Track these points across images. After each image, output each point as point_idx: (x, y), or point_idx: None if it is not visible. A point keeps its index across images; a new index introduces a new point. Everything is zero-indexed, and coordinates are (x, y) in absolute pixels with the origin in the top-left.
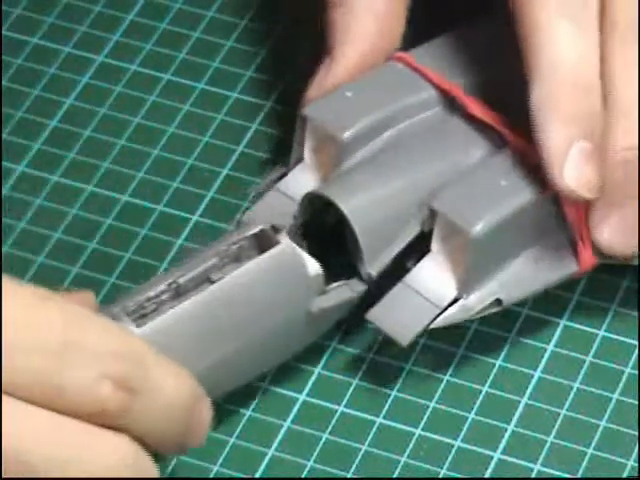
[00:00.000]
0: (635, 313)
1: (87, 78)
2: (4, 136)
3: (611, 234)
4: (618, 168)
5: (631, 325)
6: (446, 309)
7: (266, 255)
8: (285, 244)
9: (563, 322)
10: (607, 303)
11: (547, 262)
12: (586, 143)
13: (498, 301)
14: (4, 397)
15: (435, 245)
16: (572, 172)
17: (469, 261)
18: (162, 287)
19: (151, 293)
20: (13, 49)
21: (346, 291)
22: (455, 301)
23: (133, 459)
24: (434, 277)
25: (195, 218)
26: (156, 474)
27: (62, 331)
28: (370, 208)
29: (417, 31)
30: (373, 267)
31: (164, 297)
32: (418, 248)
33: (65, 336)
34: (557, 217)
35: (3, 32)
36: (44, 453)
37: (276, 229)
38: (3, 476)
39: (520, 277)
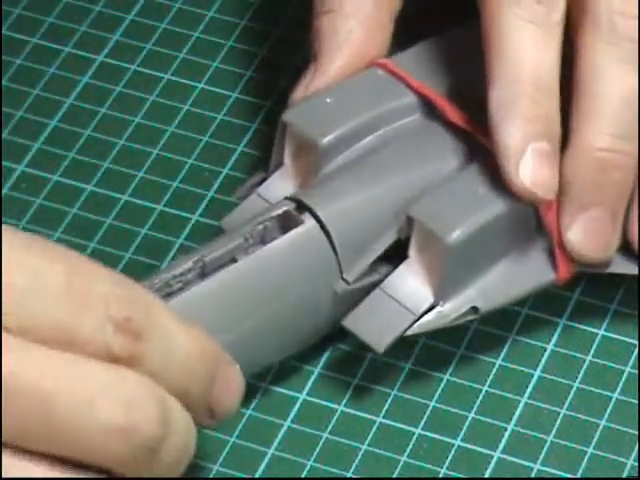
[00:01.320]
0: (635, 313)
1: (87, 78)
2: (4, 136)
3: (579, 237)
4: (590, 168)
5: (631, 325)
6: (422, 316)
7: (290, 235)
8: (309, 224)
9: (563, 322)
10: (607, 303)
11: (525, 270)
12: (544, 143)
13: (474, 309)
14: (15, 338)
15: (412, 252)
16: (527, 171)
17: (445, 268)
18: (188, 265)
19: (177, 271)
20: (13, 49)
21: (371, 273)
22: (432, 308)
23: (150, 391)
24: (411, 284)
25: (195, 218)
26: (184, 415)
27: (65, 275)
28: (348, 214)
29: (412, 36)
30: (350, 273)
31: (190, 276)
32: (395, 255)
33: (68, 279)
34: (535, 225)
35: (3, 32)
36: (61, 386)
37: (300, 209)
38: (22, 418)
39: (498, 285)
